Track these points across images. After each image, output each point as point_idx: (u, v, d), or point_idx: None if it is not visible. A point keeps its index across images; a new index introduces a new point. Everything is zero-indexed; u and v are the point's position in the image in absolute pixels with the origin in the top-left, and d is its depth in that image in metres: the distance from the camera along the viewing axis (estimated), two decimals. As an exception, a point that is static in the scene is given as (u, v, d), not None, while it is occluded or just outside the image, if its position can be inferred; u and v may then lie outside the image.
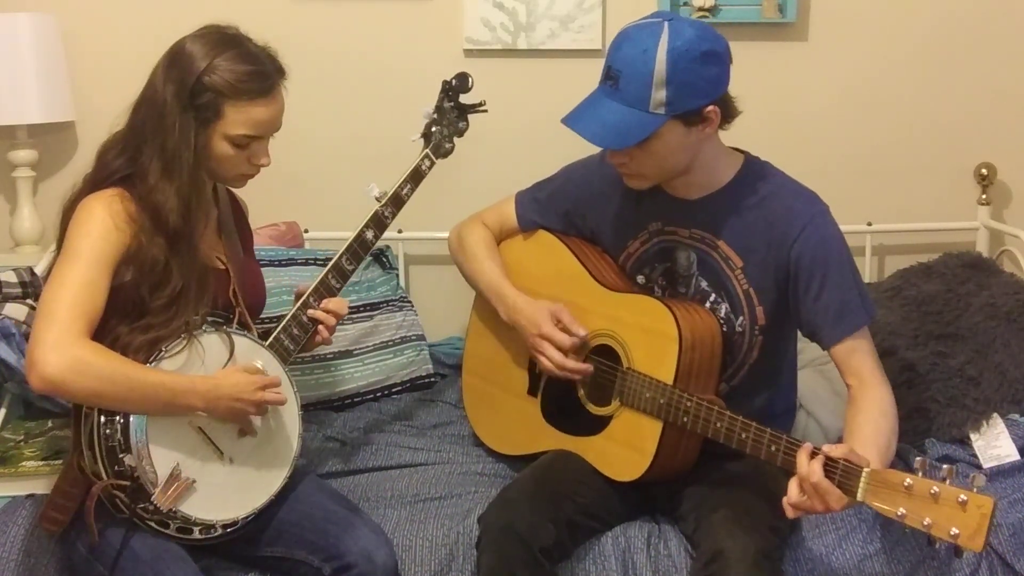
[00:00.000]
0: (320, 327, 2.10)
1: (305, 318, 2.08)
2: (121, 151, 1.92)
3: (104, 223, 1.85)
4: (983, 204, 3.06)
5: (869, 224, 3.04)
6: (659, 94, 1.90)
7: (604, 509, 2.11)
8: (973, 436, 2.42)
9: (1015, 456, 2.33)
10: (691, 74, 1.90)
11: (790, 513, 1.80)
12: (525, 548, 1.95)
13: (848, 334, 2.02)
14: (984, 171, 3.03)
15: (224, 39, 1.93)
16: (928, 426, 2.44)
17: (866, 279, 2.97)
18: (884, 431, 1.95)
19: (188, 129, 1.88)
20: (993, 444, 2.38)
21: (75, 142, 3.00)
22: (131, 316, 1.88)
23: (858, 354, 2.02)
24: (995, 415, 2.43)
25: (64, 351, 1.76)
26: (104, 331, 1.85)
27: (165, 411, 1.86)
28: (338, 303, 2.12)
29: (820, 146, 3.06)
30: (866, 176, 3.08)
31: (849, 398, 2.03)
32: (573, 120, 1.99)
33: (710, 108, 1.95)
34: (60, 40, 2.86)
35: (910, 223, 3.08)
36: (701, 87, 1.93)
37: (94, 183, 1.92)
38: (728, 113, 2.00)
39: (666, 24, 1.91)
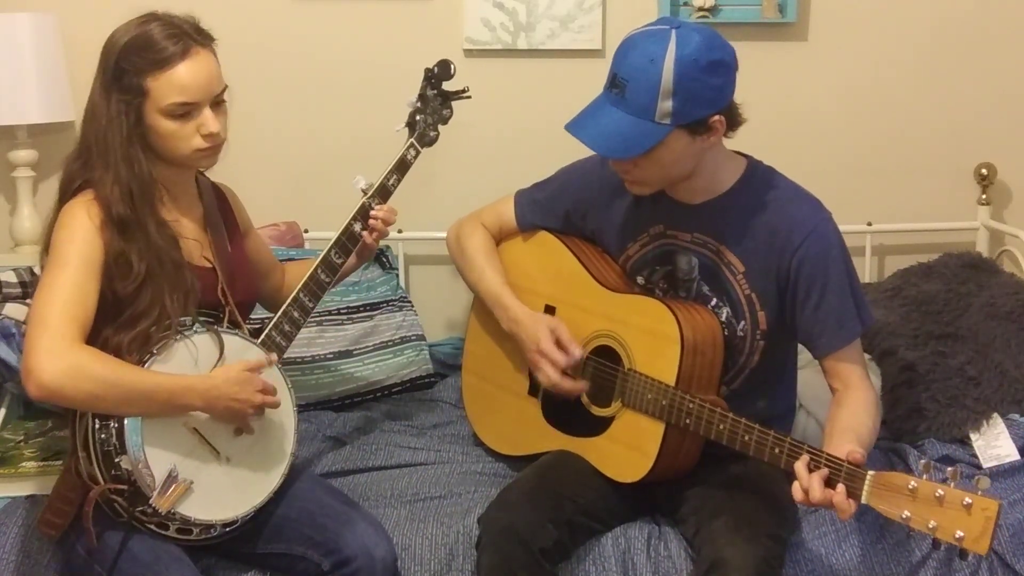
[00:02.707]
0: (371, 233, 2.20)
1: (297, 314, 2.07)
2: (76, 157, 1.94)
3: (86, 227, 1.85)
4: (983, 204, 3.06)
5: (869, 224, 3.04)
6: (665, 104, 1.89)
7: (604, 510, 2.11)
8: (973, 436, 2.41)
9: (1015, 456, 2.33)
10: (698, 84, 1.89)
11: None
12: (525, 549, 1.95)
13: (842, 346, 2.03)
14: (984, 171, 3.03)
15: (139, 21, 1.92)
16: (928, 426, 2.44)
17: (866, 279, 2.98)
18: (865, 424, 1.96)
19: (119, 114, 1.88)
20: (993, 444, 2.38)
21: (75, 142, 2.99)
22: (111, 315, 1.87)
23: (846, 363, 2.04)
24: (995, 415, 2.43)
25: (60, 357, 1.76)
26: (99, 335, 1.85)
27: (163, 412, 1.85)
28: (389, 207, 2.20)
29: (820, 146, 3.06)
30: (866, 176, 3.08)
31: (834, 399, 2.05)
32: (577, 127, 1.98)
33: (716, 118, 1.94)
34: (60, 40, 2.86)
35: (910, 223, 3.08)
36: (708, 97, 1.92)
37: (62, 195, 1.93)
38: (733, 122, 2.00)
39: (673, 32, 1.90)
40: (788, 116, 3.04)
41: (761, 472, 2.06)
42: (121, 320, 1.87)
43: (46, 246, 1.91)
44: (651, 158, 1.96)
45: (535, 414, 2.27)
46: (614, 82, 1.95)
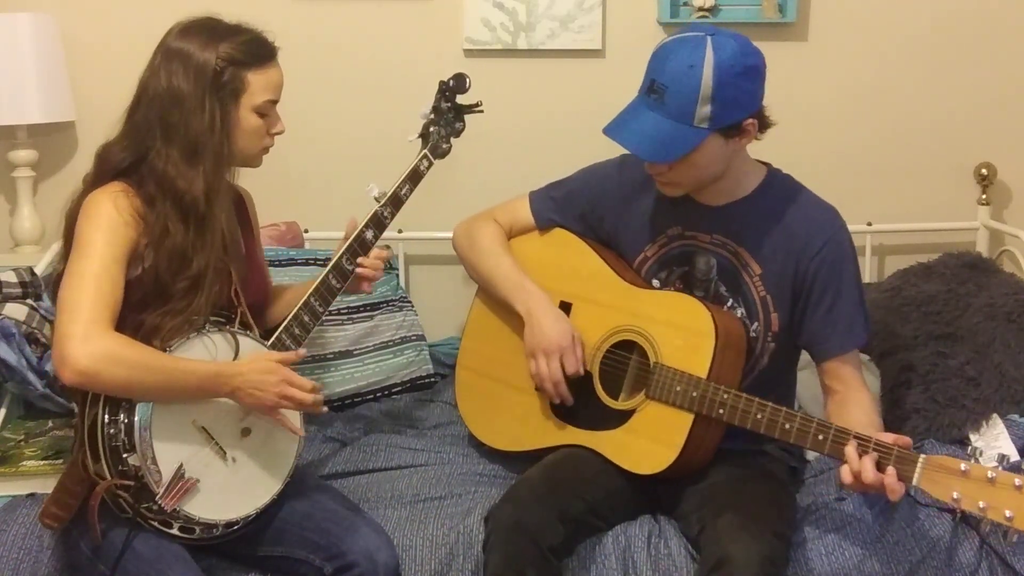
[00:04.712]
0: (364, 282, 2.18)
1: (307, 318, 2.08)
2: (125, 147, 1.93)
3: (112, 217, 1.86)
4: (983, 204, 3.06)
5: (869, 224, 3.04)
6: (704, 109, 1.94)
7: (609, 508, 2.11)
8: (973, 437, 2.41)
9: (1015, 456, 2.32)
10: (735, 89, 1.94)
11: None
12: (534, 546, 1.95)
13: (849, 350, 2.09)
14: (984, 171, 3.03)
15: (209, 24, 1.96)
16: (928, 426, 2.44)
17: (866, 279, 2.98)
18: (877, 423, 2.04)
19: (215, 112, 1.91)
20: (993, 445, 2.38)
21: (75, 142, 3.01)
22: (155, 302, 1.89)
23: (850, 366, 2.10)
24: (995, 415, 2.43)
25: (95, 343, 1.77)
26: (127, 320, 1.86)
27: (192, 398, 1.87)
28: (373, 259, 2.17)
29: (820, 146, 3.06)
30: (866, 176, 3.08)
31: (835, 400, 2.10)
32: (615, 131, 2.01)
33: (749, 121, 1.99)
34: (60, 40, 2.86)
35: (910, 223, 3.08)
36: (743, 101, 1.97)
37: (96, 181, 1.93)
38: (763, 124, 2.05)
39: (709, 39, 1.95)
40: (788, 116, 2.99)
41: (763, 470, 2.08)
42: (166, 308, 1.88)
43: (68, 235, 1.92)
44: (687, 161, 2.00)
45: (541, 408, 2.27)
46: (652, 88, 1.98)
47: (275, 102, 2.01)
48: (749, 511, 1.99)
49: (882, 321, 2.62)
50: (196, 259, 1.90)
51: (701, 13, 2.94)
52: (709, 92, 1.93)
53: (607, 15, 2.98)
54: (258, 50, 1.97)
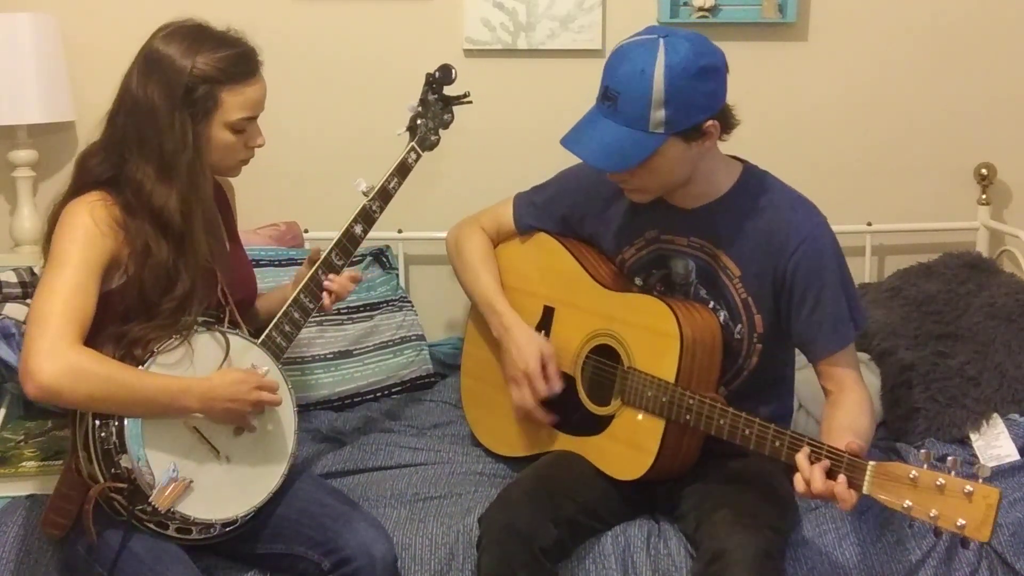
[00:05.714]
0: (327, 296, 2.12)
1: (297, 315, 2.08)
2: (103, 159, 1.91)
3: (88, 229, 1.84)
4: (983, 204, 3.06)
5: (869, 224, 3.04)
6: (658, 114, 1.90)
7: (605, 508, 2.11)
8: (973, 436, 2.42)
9: (1015, 456, 2.33)
10: (689, 91, 1.90)
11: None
12: (526, 548, 1.95)
13: (837, 350, 2.04)
14: (984, 171, 3.03)
15: (193, 32, 1.93)
16: (928, 426, 2.44)
17: (866, 279, 2.98)
18: (862, 423, 1.97)
19: (185, 128, 1.88)
20: (993, 444, 2.38)
21: (75, 142, 3.00)
22: (138, 316, 1.88)
23: (841, 367, 2.05)
24: (995, 415, 2.44)
25: (59, 358, 1.76)
26: (108, 331, 1.85)
27: (162, 414, 1.86)
28: (342, 282, 2.13)
29: (820, 146, 3.06)
30: (866, 176, 3.08)
31: (828, 402, 2.06)
32: (572, 142, 1.99)
33: (709, 123, 1.95)
34: (60, 40, 2.86)
35: (910, 223, 3.08)
36: (700, 103, 1.92)
37: (75, 191, 1.91)
38: (727, 125, 2.00)
39: (662, 41, 1.90)
40: (788, 116, 3.04)
41: (761, 468, 2.07)
42: (152, 323, 1.87)
43: (47, 244, 1.90)
44: (648, 167, 1.96)
45: (533, 414, 2.27)
46: (606, 94, 1.95)
47: (253, 119, 1.97)
48: (745, 506, 1.98)
49: (882, 321, 2.62)
50: (181, 281, 1.89)
51: (701, 13, 2.94)
52: (662, 96, 1.88)
53: (607, 15, 2.98)
54: (235, 68, 1.92)
